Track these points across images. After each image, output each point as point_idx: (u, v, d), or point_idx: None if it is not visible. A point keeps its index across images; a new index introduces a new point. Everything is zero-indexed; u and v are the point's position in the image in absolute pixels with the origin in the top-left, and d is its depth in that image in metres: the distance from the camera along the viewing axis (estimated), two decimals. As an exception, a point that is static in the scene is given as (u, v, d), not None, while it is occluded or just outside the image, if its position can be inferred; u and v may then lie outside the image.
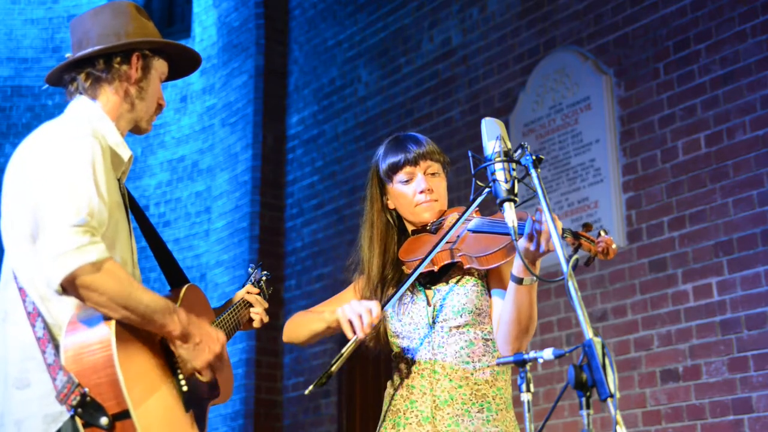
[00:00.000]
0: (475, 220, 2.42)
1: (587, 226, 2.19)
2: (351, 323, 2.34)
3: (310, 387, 2.38)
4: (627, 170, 5.07)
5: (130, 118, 2.36)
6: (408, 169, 2.55)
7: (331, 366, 2.35)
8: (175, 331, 2.13)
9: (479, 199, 2.33)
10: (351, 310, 2.35)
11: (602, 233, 2.17)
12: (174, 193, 8.60)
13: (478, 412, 2.41)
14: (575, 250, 2.15)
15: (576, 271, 1.84)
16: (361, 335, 2.32)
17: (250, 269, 2.88)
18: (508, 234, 2.22)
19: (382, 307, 2.38)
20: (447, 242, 2.42)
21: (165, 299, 2.14)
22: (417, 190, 2.53)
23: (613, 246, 2.16)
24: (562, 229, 2.15)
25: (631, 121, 5.11)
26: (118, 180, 2.31)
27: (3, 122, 9.10)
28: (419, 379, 2.46)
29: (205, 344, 2.19)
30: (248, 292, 2.72)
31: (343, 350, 2.36)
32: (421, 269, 2.40)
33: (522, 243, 2.19)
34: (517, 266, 2.29)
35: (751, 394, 4.33)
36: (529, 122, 5.67)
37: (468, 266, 2.40)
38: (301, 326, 2.63)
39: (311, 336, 2.59)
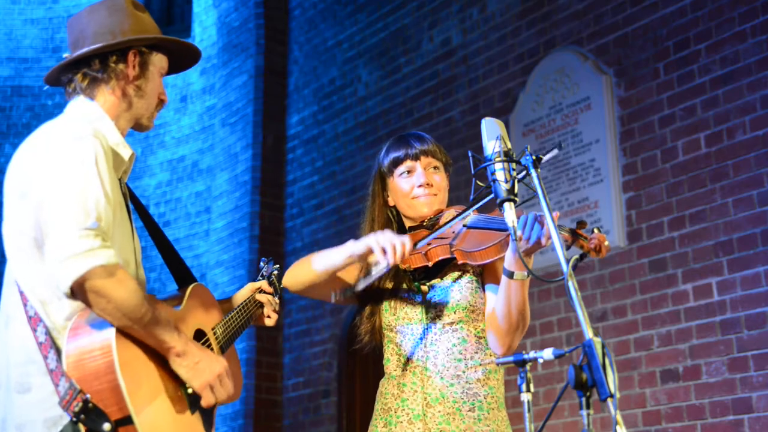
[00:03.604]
0: (471, 216, 2.43)
1: (581, 224, 2.21)
2: (384, 251, 2.31)
3: (338, 296, 2.39)
4: (627, 170, 5.07)
5: (130, 116, 2.33)
6: (409, 163, 2.56)
7: (357, 285, 2.36)
8: (174, 348, 2.10)
9: (483, 201, 2.33)
10: (385, 239, 2.32)
11: (596, 231, 2.18)
12: (174, 193, 8.59)
13: (469, 410, 2.41)
14: (568, 247, 2.16)
15: (576, 271, 1.85)
16: (392, 262, 2.29)
17: (261, 263, 2.84)
18: (503, 230, 2.24)
19: (413, 246, 2.37)
20: (443, 238, 2.43)
21: (168, 314, 2.11)
22: (416, 183, 2.54)
23: (606, 243, 2.19)
24: (558, 225, 2.16)
25: (631, 121, 5.11)
26: (120, 179, 2.30)
27: (3, 122, 9.10)
28: (410, 377, 2.46)
29: (204, 365, 2.15)
30: (260, 290, 2.67)
31: (372, 272, 2.34)
32: (454, 222, 2.41)
33: (518, 236, 2.20)
34: (508, 260, 2.30)
35: (751, 394, 4.33)
36: (529, 122, 5.67)
37: (463, 262, 2.41)
38: (311, 263, 2.51)
39: (317, 278, 2.47)
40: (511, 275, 2.29)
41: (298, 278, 2.55)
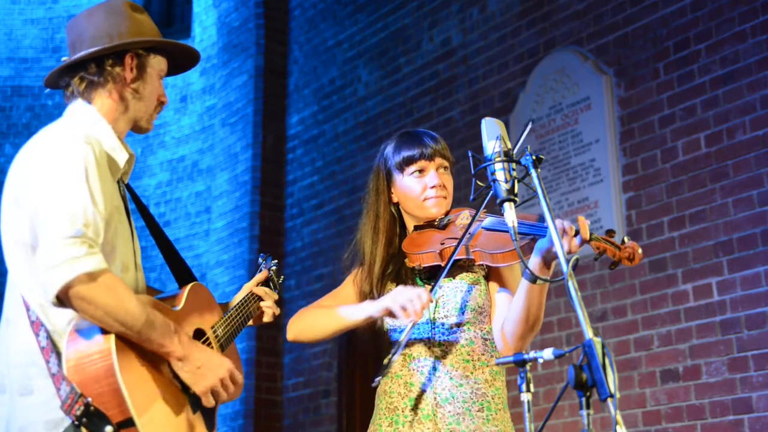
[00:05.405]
0: (489, 218, 2.42)
1: (610, 233, 2.21)
2: (404, 309, 2.32)
3: (378, 379, 2.40)
4: (627, 170, 5.07)
5: (128, 119, 2.33)
6: (422, 162, 2.54)
7: (393, 355, 2.36)
8: (174, 353, 2.10)
9: (487, 199, 2.34)
10: (403, 297, 2.33)
11: (626, 239, 2.19)
12: (174, 193, 8.60)
13: (478, 411, 2.40)
14: (600, 255, 2.17)
15: (576, 271, 1.85)
16: (416, 319, 2.31)
17: (260, 259, 2.84)
18: (527, 234, 2.23)
19: (430, 291, 2.37)
20: (456, 238, 2.42)
21: (165, 318, 2.10)
22: (429, 184, 2.52)
23: (639, 251, 2.19)
24: (589, 233, 2.16)
25: (631, 121, 5.11)
26: (120, 181, 2.30)
27: (3, 122, 9.11)
28: (418, 376, 2.45)
29: (206, 369, 2.15)
30: (257, 284, 2.67)
31: (401, 337, 2.35)
32: (479, 226, 2.40)
33: (545, 243, 2.20)
34: (533, 265, 2.28)
35: (751, 394, 4.33)
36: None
37: (480, 262, 2.39)
38: (316, 325, 2.57)
39: (331, 334, 2.54)
40: (534, 280, 2.28)
41: (306, 334, 2.60)
